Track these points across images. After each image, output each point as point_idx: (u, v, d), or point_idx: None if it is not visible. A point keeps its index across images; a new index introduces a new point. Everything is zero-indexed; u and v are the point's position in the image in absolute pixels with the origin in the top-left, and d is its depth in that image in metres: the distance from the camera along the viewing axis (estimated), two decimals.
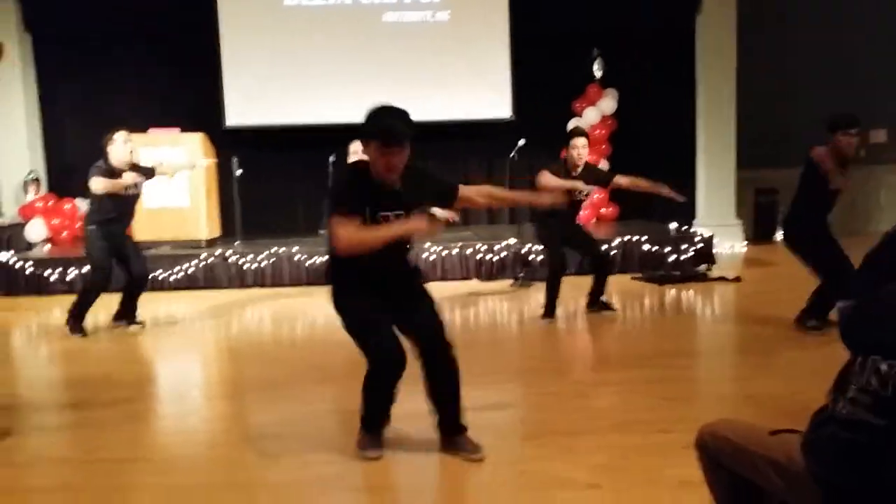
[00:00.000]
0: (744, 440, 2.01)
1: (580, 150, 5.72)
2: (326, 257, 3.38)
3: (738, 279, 7.41)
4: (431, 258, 7.85)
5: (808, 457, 1.82)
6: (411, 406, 3.44)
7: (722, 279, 7.44)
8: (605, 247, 7.49)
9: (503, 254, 7.91)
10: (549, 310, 5.91)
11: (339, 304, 3.26)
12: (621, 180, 5.92)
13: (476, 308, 6.67)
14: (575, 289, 6.38)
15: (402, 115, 3.09)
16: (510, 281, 7.68)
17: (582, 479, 3.05)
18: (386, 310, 3.22)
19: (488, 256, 7.93)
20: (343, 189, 3.22)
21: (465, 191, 3.44)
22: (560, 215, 5.68)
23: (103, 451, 3.52)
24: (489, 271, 7.92)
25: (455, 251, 7.92)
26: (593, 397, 4.15)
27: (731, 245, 9.43)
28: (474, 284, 7.72)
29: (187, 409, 4.26)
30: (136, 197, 5.94)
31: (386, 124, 3.05)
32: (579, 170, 5.81)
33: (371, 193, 3.11)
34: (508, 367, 4.88)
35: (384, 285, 3.23)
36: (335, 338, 3.39)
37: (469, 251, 7.95)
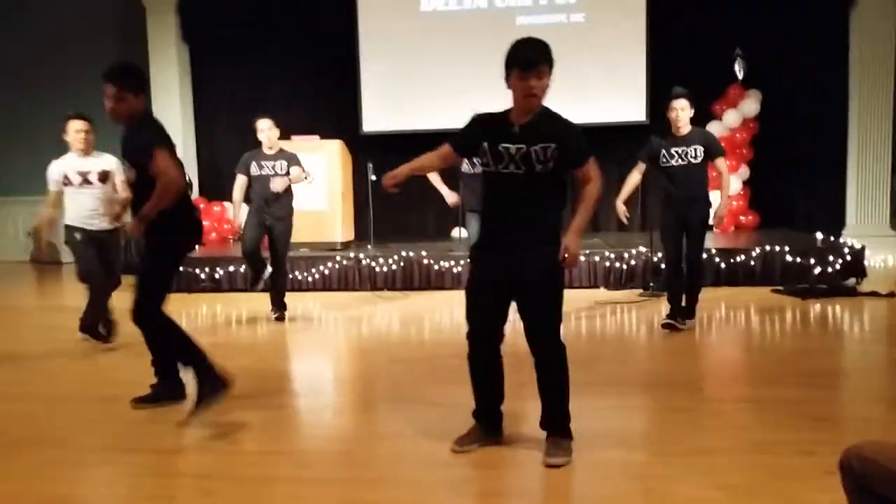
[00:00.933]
0: None
1: (678, 112, 5.57)
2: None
3: (891, 295, 6.89)
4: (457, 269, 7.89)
5: None
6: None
7: (874, 294, 6.95)
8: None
9: (632, 262, 7.73)
10: (672, 312, 5.75)
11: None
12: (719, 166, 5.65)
13: (603, 317, 6.55)
14: (703, 300, 6.14)
15: (538, 44, 3.32)
16: (639, 290, 7.49)
17: (713, 500, 2.93)
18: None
19: (617, 264, 7.78)
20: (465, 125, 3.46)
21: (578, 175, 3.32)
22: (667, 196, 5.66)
23: (243, 442, 3.72)
24: (618, 279, 7.76)
25: (582, 258, 7.82)
26: (728, 415, 3.98)
27: (884, 257, 8.78)
28: (602, 293, 7.59)
29: (321, 404, 4.43)
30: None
31: (522, 53, 3.28)
32: (683, 132, 5.62)
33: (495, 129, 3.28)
34: (636, 379, 4.75)
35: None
36: (462, 339, 3.43)
37: (597, 258, 7.82)
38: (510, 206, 3.25)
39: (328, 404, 4.45)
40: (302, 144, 8.63)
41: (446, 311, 6.98)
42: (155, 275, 4.02)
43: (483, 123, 3.37)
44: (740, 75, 9.36)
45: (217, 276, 8.14)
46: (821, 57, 9.26)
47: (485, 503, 3.11)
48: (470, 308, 3.38)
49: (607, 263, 7.80)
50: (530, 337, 3.30)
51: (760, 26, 9.28)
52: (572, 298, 7.12)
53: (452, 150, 3.46)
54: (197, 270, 8.16)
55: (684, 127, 5.62)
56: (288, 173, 6.39)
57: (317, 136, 8.74)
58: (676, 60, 9.24)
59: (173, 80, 10.04)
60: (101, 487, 3.23)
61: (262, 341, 6.10)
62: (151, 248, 3.99)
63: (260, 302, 7.00)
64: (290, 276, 7.87)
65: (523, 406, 3.77)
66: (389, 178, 3.43)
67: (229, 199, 9.96)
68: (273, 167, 6.42)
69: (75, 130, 5.50)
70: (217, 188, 10.32)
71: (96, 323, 5.64)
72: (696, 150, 5.56)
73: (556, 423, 3.37)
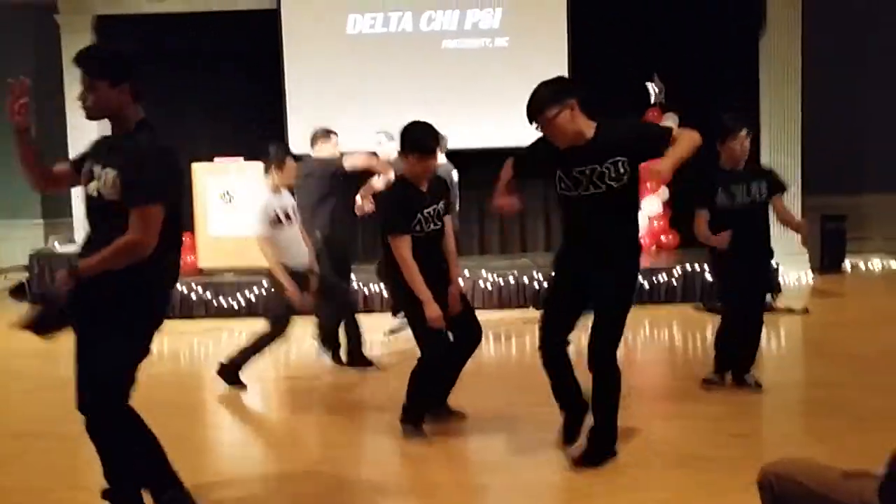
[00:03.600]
0: (814, 482, 1.93)
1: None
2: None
3: (805, 311, 7.18)
4: (488, 286, 7.83)
5: (886, 503, 1.74)
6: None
7: (789, 311, 7.21)
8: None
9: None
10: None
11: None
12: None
13: (532, 338, 6.58)
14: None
15: (430, 128, 4.01)
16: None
17: None
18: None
19: (545, 284, 7.86)
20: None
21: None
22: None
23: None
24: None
25: (511, 279, 7.88)
26: (655, 430, 4.05)
27: (797, 275, 9.14)
28: (531, 313, 7.65)
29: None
30: None
31: (419, 139, 3.94)
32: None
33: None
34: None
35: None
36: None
37: (525, 279, 7.89)
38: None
39: (251, 438, 4.31)
40: (226, 166, 8.48)
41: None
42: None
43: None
44: (653, 98, 9.65)
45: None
46: (733, 80, 9.63)
47: None
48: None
49: (536, 285, 7.86)
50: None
51: (677, 50, 9.59)
52: (504, 318, 7.20)
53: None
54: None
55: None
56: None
57: (241, 158, 8.58)
58: (598, 83, 9.43)
59: None
60: None
61: (184, 373, 5.91)
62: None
63: (183, 331, 6.79)
64: (213, 301, 7.69)
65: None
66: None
67: None
68: None
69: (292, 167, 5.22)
70: None
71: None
72: None
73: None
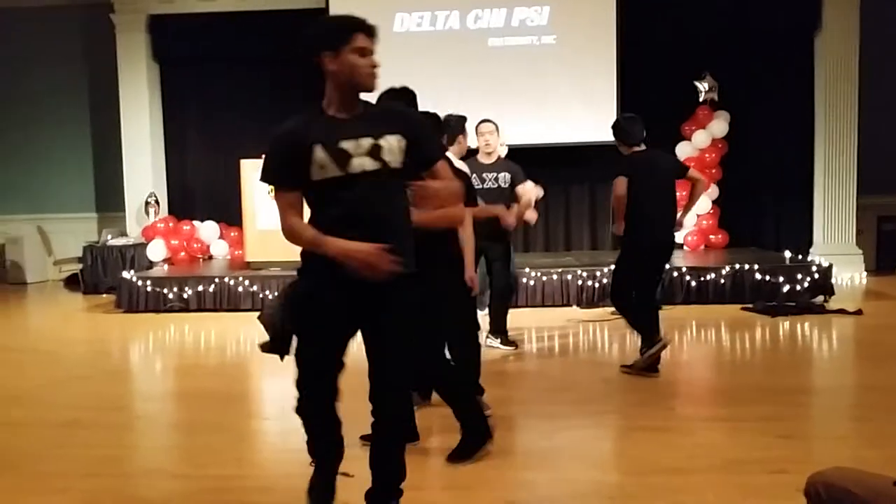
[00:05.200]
0: (864, 491, 1.86)
1: (487, 136, 5.58)
2: None
3: (859, 312, 6.98)
4: (531, 283, 7.79)
5: None
6: None
7: (841, 312, 7.02)
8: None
9: (604, 280, 7.75)
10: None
11: None
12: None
13: (576, 335, 6.54)
14: (673, 319, 6.16)
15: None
16: (612, 309, 7.50)
17: None
18: None
19: (589, 283, 7.80)
20: None
21: None
22: None
23: (208, 467, 3.64)
24: (590, 298, 7.78)
25: (555, 276, 7.83)
26: (699, 433, 3.98)
27: (850, 276, 8.91)
28: (573, 311, 7.59)
29: (289, 427, 4.35)
30: None
31: None
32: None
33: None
34: (607, 397, 4.74)
35: None
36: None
37: (569, 276, 7.83)
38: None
39: (296, 428, 4.36)
40: None
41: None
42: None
43: None
44: (702, 97, 9.48)
45: (185, 295, 8.01)
46: (787, 79, 9.43)
47: None
48: None
49: (579, 282, 7.81)
50: None
51: (730, 49, 9.43)
52: (545, 316, 7.17)
53: None
54: (165, 290, 8.04)
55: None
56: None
57: None
58: (646, 82, 9.35)
59: (143, 98, 9.93)
60: None
61: (231, 363, 6.01)
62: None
63: (230, 323, 6.92)
64: (259, 294, 7.79)
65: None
66: None
67: (199, 217, 10.00)
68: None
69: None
70: (188, 206, 10.22)
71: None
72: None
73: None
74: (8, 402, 4.82)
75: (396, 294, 2.60)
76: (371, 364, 2.68)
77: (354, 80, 2.60)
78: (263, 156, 2.66)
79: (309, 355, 2.69)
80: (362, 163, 2.54)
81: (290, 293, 2.74)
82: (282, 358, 2.73)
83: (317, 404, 2.78)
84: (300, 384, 2.74)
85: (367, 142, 2.55)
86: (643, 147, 5.10)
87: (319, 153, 2.54)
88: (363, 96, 2.69)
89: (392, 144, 2.57)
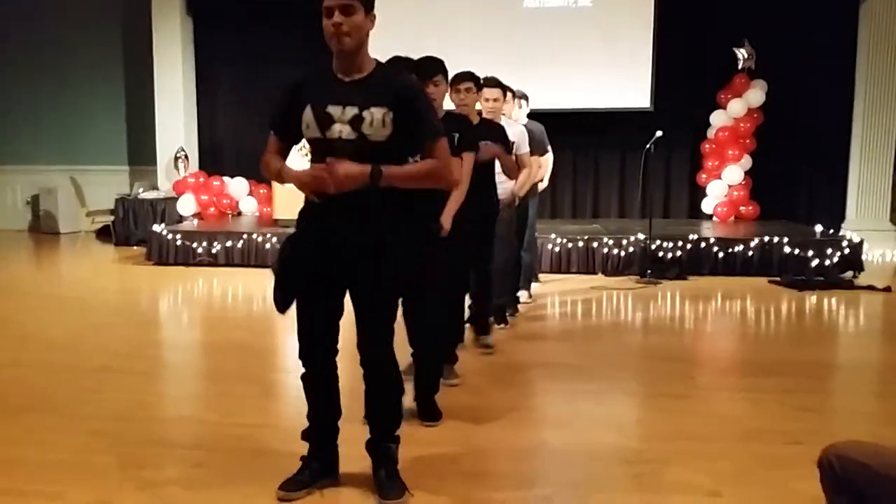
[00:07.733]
0: (880, 464, 1.86)
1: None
2: None
3: (888, 289, 6.89)
4: (556, 249, 7.78)
5: None
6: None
7: (870, 288, 6.94)
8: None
9: (630, 249, 7.72)
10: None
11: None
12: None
13: (599, 303, 6.55)
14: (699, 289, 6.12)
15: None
16: (636, 277, 7.49)
17: (702, 485, 2.95)
18: None
19: (615, 251, 7.77)
20: None
21: None
22: None
23: (235, 415, 3.73)
24: (615, 266, 7.76)
25: (580, 244, 7.81)
26: (719, 403, 4.00)
27: (882, 252, 8.78)
28: (599, 279, 7.59)
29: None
30: None
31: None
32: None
33: None
34: (630, 365, 4.78)
35: None
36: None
37: (595, 245, 7.81)
38: None
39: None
40: None
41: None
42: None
43: None
44: (741, 65, 9.29)
45: (214, 250, 8.13)
46: (828, 48, 9.20)
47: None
48: None
49: (605, 250, 7.78)
50: None
51: (769, 16, 9.21)
52: (569, 283, 7.18)
53: None
54: (194, 244, 8.15)
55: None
56: None
57: None
58: (683, 48, 9.19)
59: (176, 53, 9.97)
60: (92, 455, 3.24)
61: (257, 316, 6.11)
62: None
63: (256, 278, 7.00)
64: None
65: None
66: None
67: (229, 173, 10.08)
68: None
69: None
70: (218, 162, 10.31)
71: None
72: None
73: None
74: (44, 347, 4.97)
75: (370, 261, 2.70)
76: (356, 318, 2.82)
77: (330, 42, 2.62)
78: None
79: (300, 313, 2.86)
80: (341, 130, 2.60)
81: (284, 246, 2.88)
82: (280, 311, 2.89)
83: (311, 361, 2.92)
84: (298, 344, 2.91)
85: (351, 111, 2.60)
86: None
87: (308, 113, 2.64)
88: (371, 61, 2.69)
89: (375, 117, 2.58)
